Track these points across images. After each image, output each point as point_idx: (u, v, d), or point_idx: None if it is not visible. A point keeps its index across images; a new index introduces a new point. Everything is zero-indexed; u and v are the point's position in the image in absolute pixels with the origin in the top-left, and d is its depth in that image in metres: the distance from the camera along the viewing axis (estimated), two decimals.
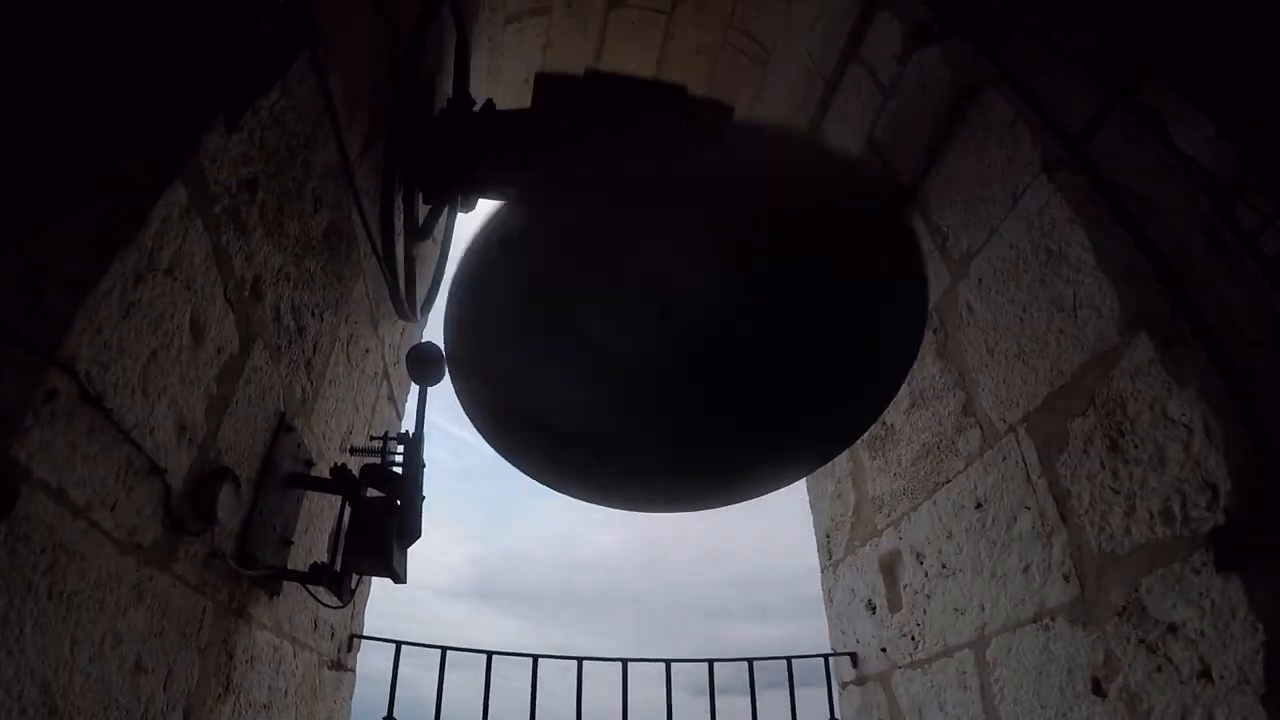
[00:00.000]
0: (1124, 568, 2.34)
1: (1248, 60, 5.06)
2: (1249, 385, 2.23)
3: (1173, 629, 2.14)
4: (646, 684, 4.04)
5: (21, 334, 1.28)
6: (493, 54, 5.26)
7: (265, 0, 1.83)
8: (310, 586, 2.48)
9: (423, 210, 3.57)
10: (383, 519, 2.45)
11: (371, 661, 3.71)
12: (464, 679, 3.72)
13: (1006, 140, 2.98)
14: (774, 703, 3.98)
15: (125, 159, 1.55)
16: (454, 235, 4.28)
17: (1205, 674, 2.02)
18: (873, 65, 4.05)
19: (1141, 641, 2.24)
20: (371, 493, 2.53)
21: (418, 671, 3.85)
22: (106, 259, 1.42)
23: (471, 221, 3.72)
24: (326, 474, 2.63)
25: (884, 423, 3.88)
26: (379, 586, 3.84)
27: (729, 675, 4.03)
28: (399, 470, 2.57)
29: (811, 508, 4.80)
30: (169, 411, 1.68)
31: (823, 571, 4.62)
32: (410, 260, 3.45)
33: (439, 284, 4.10)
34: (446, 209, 3.89)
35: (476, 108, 3.37)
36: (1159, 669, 2.18)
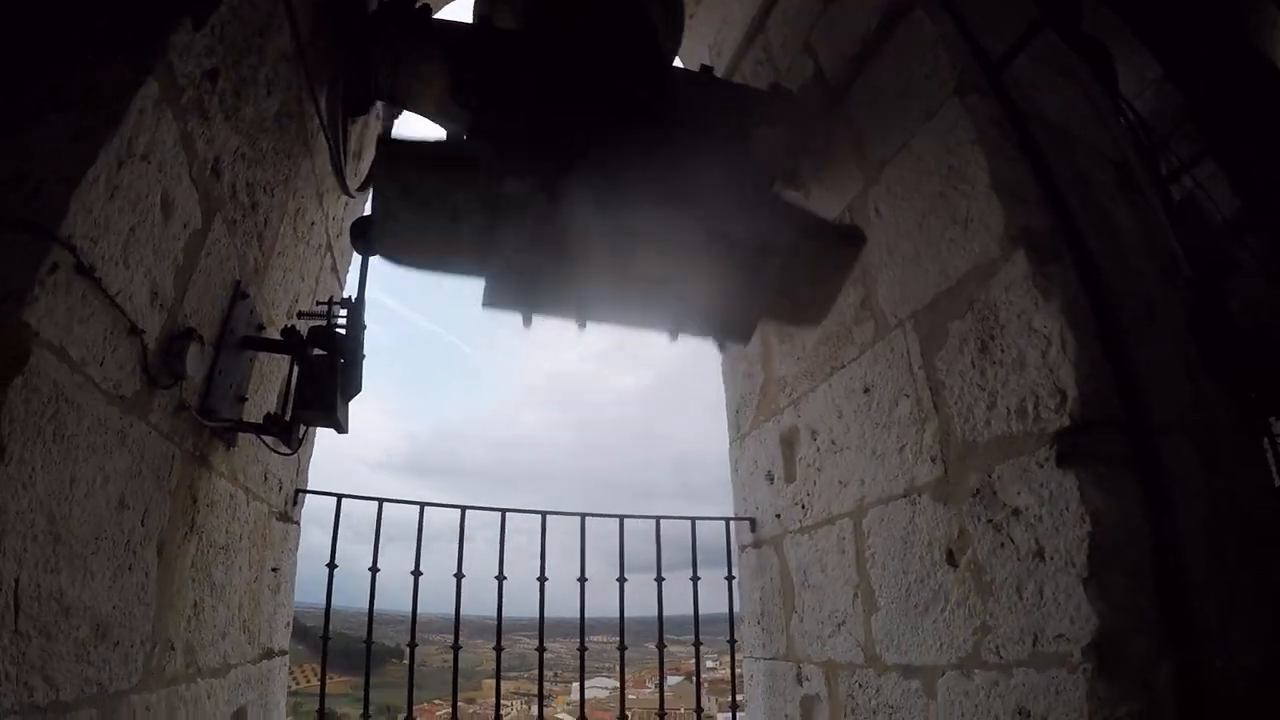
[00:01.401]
0: (981, 455, 2.65)
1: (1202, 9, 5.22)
2: (1120, 310, 2.52)
3: (1016, 513, 2.46)
4: (568, 556, 4.39)
5: (24, 218, 1.50)
6: None
7: None
8: (264, 436, 2.74)
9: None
10: (328, 375, 2.68)
11: (311, 537, 3.99)
12: (397, 554, 4.00)
13: (928, 58, 3.14)
14: (681, 579, 4.37)
15: (96, 67, 1.74)
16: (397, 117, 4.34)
17: (1039, 554, 2.35)
18: None
19: (989, 521, 2.57)
20: (317, 352, 2.75)
21: (354, 547, 4.14)
22: (94, 151, 1.64)
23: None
24: (277, 337, 2.85)
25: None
26: (318, 459, 4.09)
27: (641, 556, 4.42)
28: (343, 332, 2.79)
29: (725, 386, 5.08)
30: (144, 280, 1.91)
31: (730, 444, 4.93)
32: (352, 137, 3.58)
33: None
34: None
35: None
36: (1002, 546, 2.51)
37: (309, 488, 3.90)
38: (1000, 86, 2.97)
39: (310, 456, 3.96)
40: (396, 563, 3.92)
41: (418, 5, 3.39)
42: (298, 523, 3.85)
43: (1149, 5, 5.16)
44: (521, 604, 4.04)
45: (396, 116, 3.72)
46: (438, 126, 3.36)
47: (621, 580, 4.15)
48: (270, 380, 3.08)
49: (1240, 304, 3.39)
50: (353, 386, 2.77)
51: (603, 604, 4.31)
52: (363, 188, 3.91)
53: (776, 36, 4.50)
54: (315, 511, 3.99)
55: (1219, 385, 2.83)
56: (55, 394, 1.56)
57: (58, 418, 1.58)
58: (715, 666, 11.64)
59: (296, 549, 3.87)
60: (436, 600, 4.11)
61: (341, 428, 2.82)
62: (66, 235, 1.54)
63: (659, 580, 4.22)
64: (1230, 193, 4.96)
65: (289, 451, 2.89)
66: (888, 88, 3.41)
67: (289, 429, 2.73)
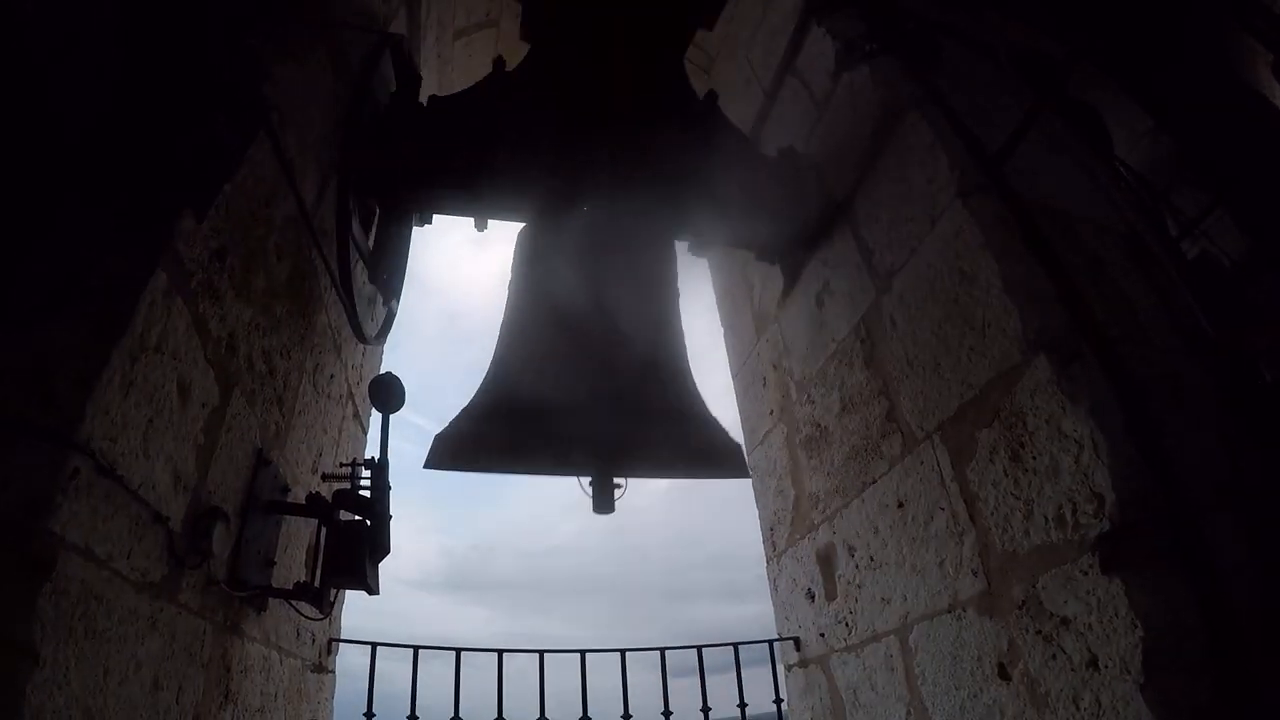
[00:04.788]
0: (1024, 566, 2.60)
1: (1184, 49, 5.27)
2: (1148, 396, 2.50)
3: (1065, 622, 2.40)
4: (617, 670, 4.33)
5: (42, 426, 1.55)
6: (442, 69, 5.43)
7: (220, 101, 2.06)
8: (295, 602, 2.77)
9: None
10: (356, 539, 2.72)
11: (350, 657, 3.98)
12: (438, 669, 3.98)
13: (927, 162, 3.20)
14: (730, 682, 4.28)
15: (109, 258, 1.80)
16: (409, 254, 4.39)
17: (1093, 663, 2.28)
18: (807, 79, 4.27)
19: (1039, 632, 2.51)
20: (344, 515, 2.79)
21: (393, 665, 4.11)
22: (107, 350, 1.69)
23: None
24: (302, 498, 2.90)
25: (818, 425, 4.16)
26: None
27: (689, 656, 4.32)
28: (367, 494, 2.82)
29: (756, 503, 5.05)
30: (166, 466, 1.96)
31: (767, 562, 4.90)
32: (368, 287, 3.65)
33: (397, 305, 4.27)
34: (399, 228, 4.03)
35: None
36: (1054, 657, 2.45)
37: (342, 636, 3.90)
38: (1002, 182, 2.99)
39: (343, 605, 3.96)
40: (435, 675, 3.90)
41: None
42: (333, 671, 3.84)
43: (1132, 55, 5.20)
44: None
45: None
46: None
47: (667, 714, 4.05)
48: (298, 538, 3.11)
49: (1262, 347, 3.33)
50: (381, 549, 2.79)
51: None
52: (380, 335, 3.97)
53: (772, 149, 4.53)
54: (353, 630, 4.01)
55: (1258, 448, 2.72)
56: (84, 593, 1.59)
57: (88, 615, 1.61)
58: None
59: (332, 696, 3.86)
60: None
61: (372, 590, 2.84)
62: (85, 439, 1.59)
63: (705, 710, 4.12)
64: (1238, 232, 4.94)
65: (321, 616, 2.90)
66: (890, 195, 3.46)
67: (320, 595, 2.75)
